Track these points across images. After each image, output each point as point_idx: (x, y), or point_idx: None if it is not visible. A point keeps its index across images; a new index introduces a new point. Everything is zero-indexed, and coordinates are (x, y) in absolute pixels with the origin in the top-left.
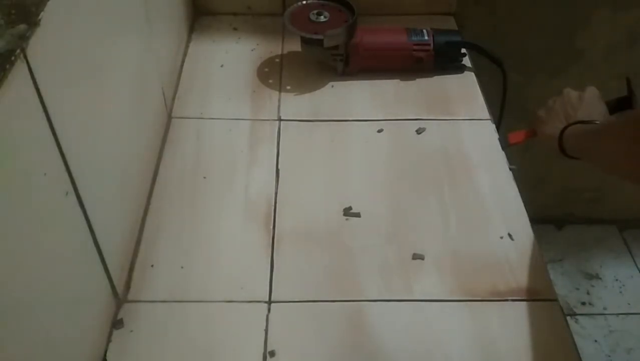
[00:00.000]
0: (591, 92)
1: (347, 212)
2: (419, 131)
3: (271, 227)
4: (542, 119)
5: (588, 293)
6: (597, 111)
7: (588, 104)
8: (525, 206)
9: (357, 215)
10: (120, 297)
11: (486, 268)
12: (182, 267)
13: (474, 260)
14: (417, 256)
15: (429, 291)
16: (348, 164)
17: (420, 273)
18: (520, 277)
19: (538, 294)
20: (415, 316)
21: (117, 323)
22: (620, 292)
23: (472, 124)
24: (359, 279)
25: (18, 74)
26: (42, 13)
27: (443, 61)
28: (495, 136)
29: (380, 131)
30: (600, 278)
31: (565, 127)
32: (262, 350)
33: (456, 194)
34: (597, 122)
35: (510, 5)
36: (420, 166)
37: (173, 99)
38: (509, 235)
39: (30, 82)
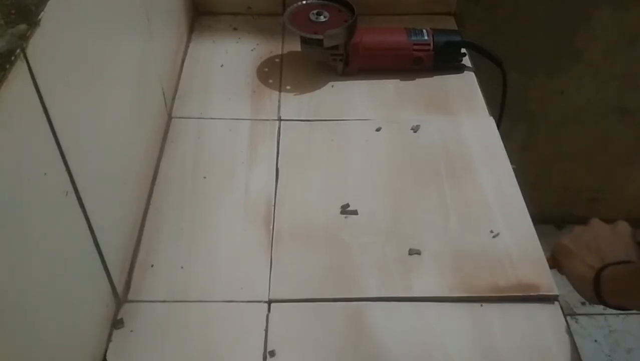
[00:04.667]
0: (623, 227)
1: (345, 210)
2: (415, 129)
3: (271, 227)
4: (568, 251)
5: None
6: (631, 248)
7: (623, 241)
8: (525, 206)
9: (355, 213)
10: (120, 297)
11: (487, 265)
12: (182, 267)
13: (475, 257)
14: (413, 251)
15: (429, 289)
16: (348, 163)
17: (420, 270)
18: (521, 274)
19: (539, 291)
20: (415, 315)
21: (117, 323)
22: None
23: (472, 123)
24: (359, 277)
25: (18, 74)
26: (42, 13)
27: (443, 60)
28: (496, 135)
29: (378, 129)
30: None
31: (602, 268)
32: (262, 350)
33: (456, 192)
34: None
35: (510, 5)
36: (420, 165)
37: (173, 99)
38: (510, 232)
39: (30, 82)
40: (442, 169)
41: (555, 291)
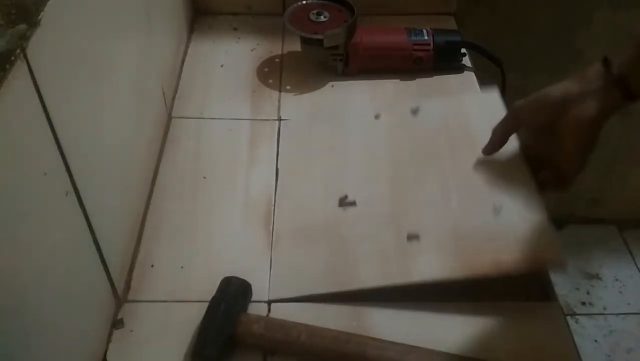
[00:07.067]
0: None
1: (343, 202)
2: (414, 112)
3: (271, 227)
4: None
5: (588, 293)
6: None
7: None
8: None
9: (353, 204)
10: (120, 297)
11: (489, 243)
12: (182, 267)
13: (477, 235)
14: (412, 236)
15: (428, 272)
16: (347, 155)
17: (419, 255)
18: (525, 248)
19: (544, 264)
20: (416, 315)
21: (117, 323)
22: (620, 292)
23: (474, 97)
24: (358, 270)
25: (18, 74)
26: (42, 13)
27: (443, 60)
28: (500, 104)
29: (377, 116)
30: (600, 278)
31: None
32: (262, 350)
33: (458, 169)
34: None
35: (510, 5)
36: (420, 147)
37: (173, 99)
38: (514, 205)
39: (30, 82)
40: (443, 148)
41: (563, 264)
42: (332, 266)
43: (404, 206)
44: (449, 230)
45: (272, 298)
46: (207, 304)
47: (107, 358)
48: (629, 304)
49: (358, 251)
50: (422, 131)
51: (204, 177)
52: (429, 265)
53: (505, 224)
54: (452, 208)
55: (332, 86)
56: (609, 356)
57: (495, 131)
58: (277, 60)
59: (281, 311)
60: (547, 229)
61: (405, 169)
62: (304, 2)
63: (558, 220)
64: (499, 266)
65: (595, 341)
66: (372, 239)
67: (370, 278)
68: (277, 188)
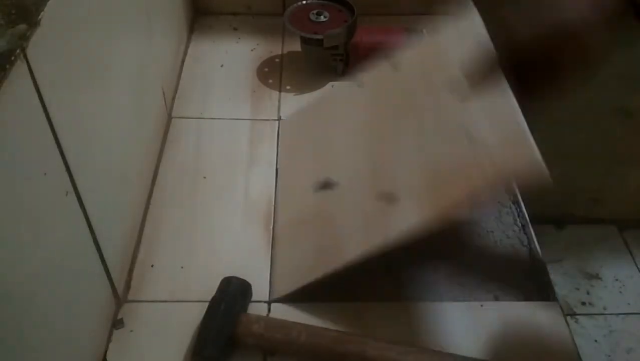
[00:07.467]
0: None
1: (327, 185)
2: (395, 67)
3: (271, 227)
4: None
5: (588, 293)
6: None
7: None
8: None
9: (336, 183)
10: (120, 297)
11: (465, 176)
12: (182, 267)
13: (452, 172)
14: (389, 197)
15: (408, 228)
16: (340, 142)
17: (398, 217)
18: (502, 168)
19: (519, 180)
20: (416, 315)
21: (117, 323)
22: (620, 292)
23: (454, 31)
24: (345, 250)
25: (18, 74)
26: (42, 13)
27: None
28: (482, 29)
29: (360, 85)
30: (600, 278)
31: None
32: (262, 350)
33: (437, 112)
34: None
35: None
36: (398, 102)
37: (173, 99)
38: (491, 127)
39: (30, 82)
40: (424, 96)
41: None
42: (322, 250)
43: (385, 170)
44: (426, 179)
45: (272, 298)
46: (207, 304)
47: (107, 358)
48: (629, 304)
49: (345, 228)
50: (403, 83)
51: (204, 177)
52: (407, 222)
53: (479, 148)
54: (428, 153)
55: (332, 86)
56: (609, 356)
57: (482, 72)
58: (277, 60)
59: (281, 311)
60: (522, 138)
61: (386, 132)
62: (304, 2)
63: (558, 220)
64: (475, 195)
65: (595, 341)
66: (355, 213)
67: (354, 251)
68: (277, 188)
